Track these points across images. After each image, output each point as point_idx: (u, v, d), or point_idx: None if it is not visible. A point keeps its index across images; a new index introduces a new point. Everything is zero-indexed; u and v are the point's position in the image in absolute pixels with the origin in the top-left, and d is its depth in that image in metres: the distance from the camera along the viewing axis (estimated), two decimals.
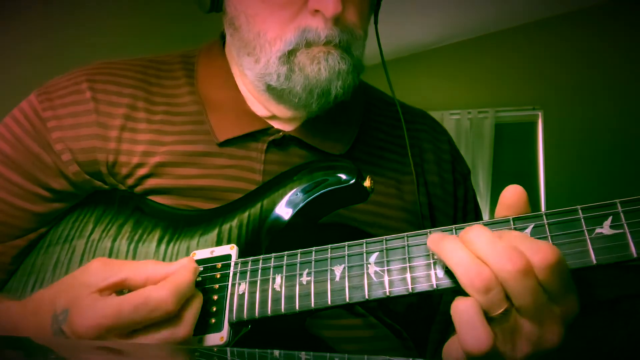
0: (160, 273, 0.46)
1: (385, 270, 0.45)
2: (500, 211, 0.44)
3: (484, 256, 0.39)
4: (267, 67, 0.57)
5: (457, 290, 0.41)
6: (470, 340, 0.38)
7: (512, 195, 0.43)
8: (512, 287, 0.38)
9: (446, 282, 0.42)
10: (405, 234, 0.46)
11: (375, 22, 0.67)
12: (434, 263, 0.43)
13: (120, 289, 0.46)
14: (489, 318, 0.39)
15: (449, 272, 0.42)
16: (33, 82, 0.68)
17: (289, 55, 0.56)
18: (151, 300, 0.43)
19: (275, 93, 0.60)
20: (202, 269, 0.51)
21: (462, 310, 0.39)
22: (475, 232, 0.40)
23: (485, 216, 2.87)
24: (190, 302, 0.46)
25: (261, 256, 0.50)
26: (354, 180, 0.53)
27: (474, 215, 0.74)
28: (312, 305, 0.45)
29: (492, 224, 0.43)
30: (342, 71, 0.57)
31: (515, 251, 0.38)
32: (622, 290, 2.33)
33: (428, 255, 0.44)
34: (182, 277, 0.45)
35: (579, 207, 0.41)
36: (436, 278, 0.43)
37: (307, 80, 0.56)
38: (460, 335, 0.39)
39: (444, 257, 0.41)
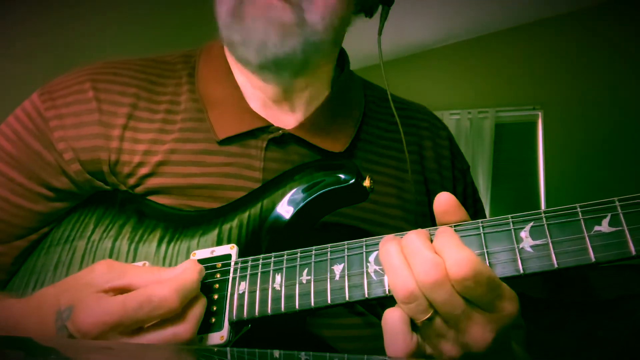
0: (165, 277, 0.46)
1: None
2: (438, 218, 0.46)
3: (411, 264, 0.41)
4: (227, 33, 0.59)
5: None
6: (391, 347, 0.41)
7: (444, 202, 0.45)
8: (431, 298, 0.40)
9: None
10: (405, 232, 0.46)
11: (379, 33, 0.67)
12: None
13: (123, 292, 0.47)
14: (415, 323, 0.41)
15: None
16: (35, 81, 0.69)
17: (237, 8, 0.57)
18: (155, 297, 0.43)
19: (252, 69, 0.61)
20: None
21: (387, 319, 0.42)
22: (408, 238, 0.42)
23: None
24: (195, 303, 0.46)
25: (261, 256, 0.50)
26: (353, 180, 0.53)
27: (474, 211, 0.74)
28: (312, 304, 0.46)
29: (491, 223, 0.43)
30: (284, 24, 0.56)
31: (432, 262, 0.40)
32: (622, 290, 2.33)
33: None
34: (186, 276, 0.46)
35: (577, 205, 0.41)
36: None
37: (246, 31, 0.57)
38: (385, 341, 0.41)
39: (381, 261, 0.43)
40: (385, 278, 0.44)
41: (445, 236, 0.42)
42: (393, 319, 0.41)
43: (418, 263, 0.40)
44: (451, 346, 0.42)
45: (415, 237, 0.42)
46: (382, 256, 0.43)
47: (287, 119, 0.65)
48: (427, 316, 0.40)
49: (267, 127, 0.63)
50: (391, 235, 0.45)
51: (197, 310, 0.46)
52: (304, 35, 0.57)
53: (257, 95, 0.65)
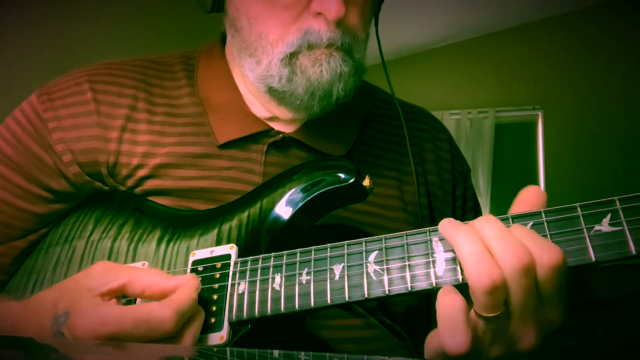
0: (161, 284, 0.46)
1: (385, 269, 0.45)
2: (516, 207, 0.44)
3: (491, 247, 0.39)
4: (269, 69, 0.57)
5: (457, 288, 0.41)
6: (450, 341, 0.38)
7: (536, 195, 0.43)
8: (512, 284, 0.38)
9: (445, 280, 0.42)
10: (404, 232, 0.46)
11: (376, 24, 0.67)
12: (433, 261, 0.43)
13: (120, 294, 0.46)
14: (479, 315, 0.39)
15: (448, 270, 0.42)
16: (34, 82, 0.68)
17: (291, 57, 0.56)
18: (153, 318, 0.42)
19: (277, 95, 0.60)
20: (201, 278, 0.51)
21: (446, 307, 0.38)
22: (485, 221, 0.40)
23: None
24: (192, 321, 0.45)
25: (260, 256, 0.50)
26: (352, 180, 0.52)
27: (473, 214, 0.74)
28: (312, 304, 0.45)
29: None
30: (343, 73, 0.57)
31: (521, 247, 0.38)
32: (622, 290, 2.32)
33: (427, 254, 0.44)
34: (185, 296, 0.45)
35: (577, 204, 0.41)
36: (435, 276, 0.43)
37: (308, 82, 0.56)
38: (441, 332, 0.39)
39: (454, 244, 0.40)
40: (385, 278, 0.44)
41: (521, 227, 0.40)
42: (454, 307, 0.38)
43: (504, 247, 0.38)
44: (502, 343, 0.40)
45: (492, 220, 0.40)
46: (454, 240, 0.40)
47: (287, 123, 0.65)
48: (499, 312, 0.38)
49: (268, 131, 0.63)
50: (451, 220, 0.42)
51: (194, 329, 0.45)
52: (357, 74, 0.59)
53: (258, 99, 0.65)
